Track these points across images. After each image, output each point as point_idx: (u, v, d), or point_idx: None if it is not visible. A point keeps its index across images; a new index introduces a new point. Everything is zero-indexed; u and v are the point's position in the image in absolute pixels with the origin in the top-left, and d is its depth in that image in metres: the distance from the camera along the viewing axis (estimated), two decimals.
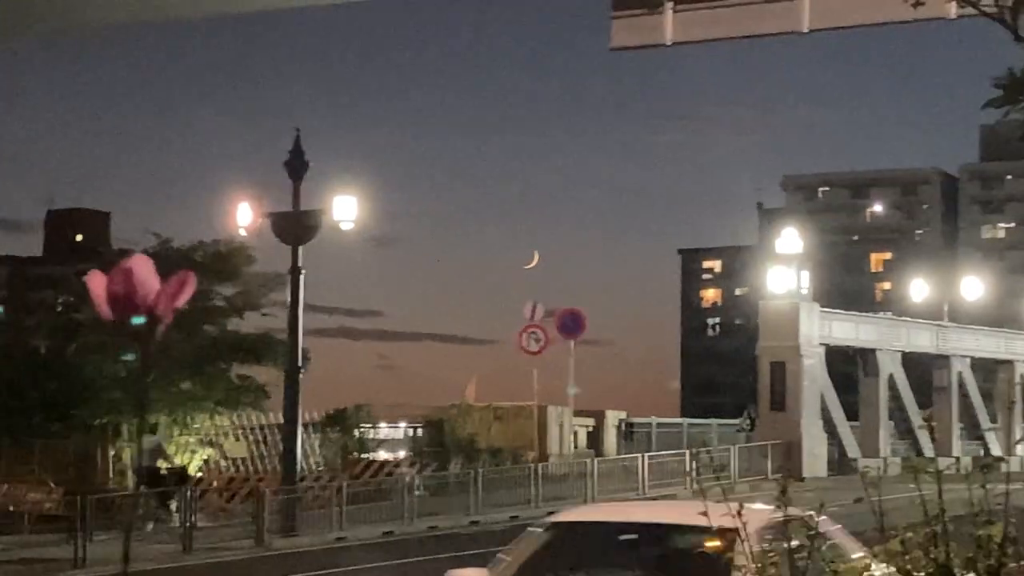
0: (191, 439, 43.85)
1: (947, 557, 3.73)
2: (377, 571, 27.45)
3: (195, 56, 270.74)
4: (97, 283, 1.20)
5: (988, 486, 4.55)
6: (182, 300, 1.21)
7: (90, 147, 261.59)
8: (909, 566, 3.76)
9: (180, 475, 40.72)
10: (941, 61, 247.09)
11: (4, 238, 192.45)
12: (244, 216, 37.57)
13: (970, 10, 6.15)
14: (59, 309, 66.94)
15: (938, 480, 4.57)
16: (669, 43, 23.82)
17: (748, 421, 59.33)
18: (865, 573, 3.79)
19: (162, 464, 41.73)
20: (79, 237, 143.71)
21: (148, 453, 41.39)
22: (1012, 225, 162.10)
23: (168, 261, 45.75)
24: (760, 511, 12.54)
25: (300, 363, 37.45)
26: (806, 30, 23.51)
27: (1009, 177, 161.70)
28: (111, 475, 42.61)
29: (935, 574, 3.67)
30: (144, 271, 1.20)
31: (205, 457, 44.44)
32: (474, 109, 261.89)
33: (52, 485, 38.72)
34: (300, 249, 36.67)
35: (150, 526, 36.50)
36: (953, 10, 19.90)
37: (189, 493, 34.93)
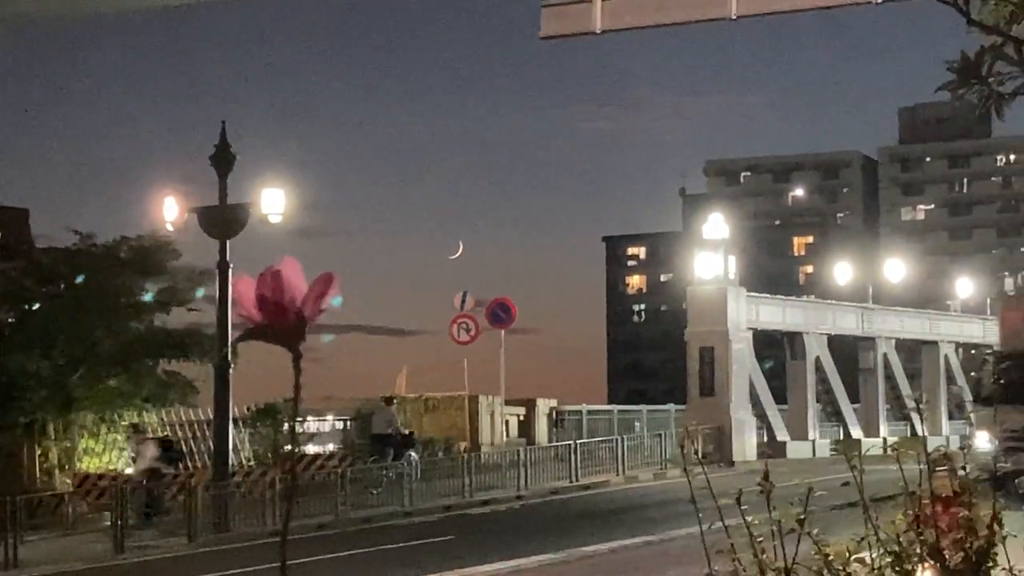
0: (119, 436, 43.45)
1: (937, 539, 3.76)
2: (313, 564, 27.38)
3: (117, 47, 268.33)
4: (245, 287, 1.18)
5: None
6: (328, 301, 1.20)
7: (4, 140, 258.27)
8: (898, 548, 3.78)
9: (408, 439, 43.06)
10: (861, 45, 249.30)
11: None
12: (170, 211, 37.25)
13: None
14: None
15: (899, 461, 4.64)
16: (598, 31, 23.86)
17: None
18: (853, 556, 3.80)
19: (391, 431, 43.01)
20: None
21: (383, 422, 43.24)
22: (932, 207, 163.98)
23: (91, 257, 45.42)
24: None
25: (230, 358, 37.21)
26: (734, 16, 23.64)
27: (928, 159, 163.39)
28: (38, 475, 42.12)
29: (927, 556, 3.69)
30: (292, 274, 1.18)
31: (132, 456, 44.08)
32: (400, 99, 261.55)
33: None
34: (228, 243, 36.42)
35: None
36: None
37: (119, 490, 34.63)
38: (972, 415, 37.98)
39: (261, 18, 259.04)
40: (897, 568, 3.76)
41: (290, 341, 1.33)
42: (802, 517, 3.72)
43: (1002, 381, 34.19)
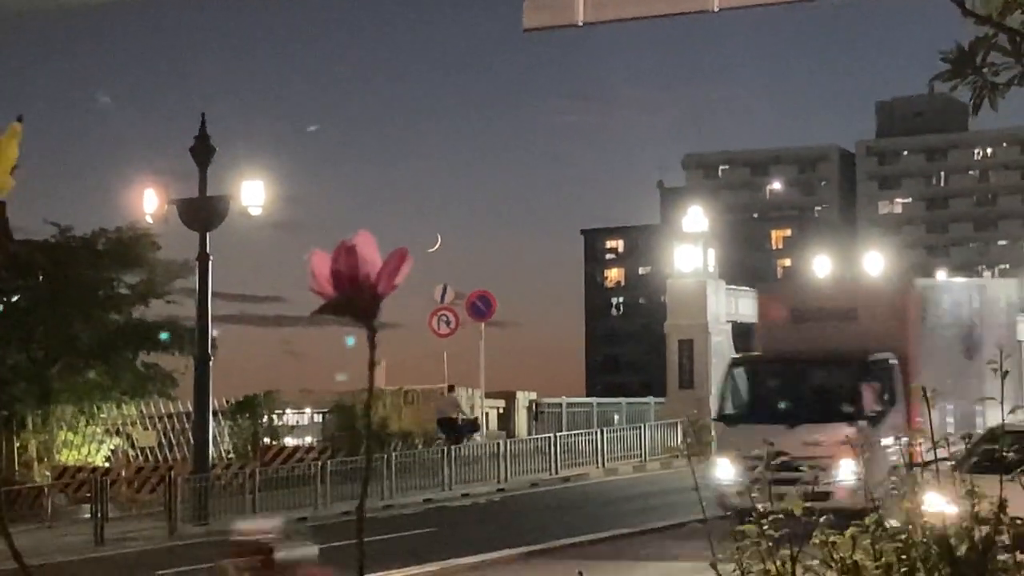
0: (98, 429, 43.38)
1: (944, 527, 3.75)
2: None
3: (95, 38, 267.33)
4: (319, 262, 1.16)
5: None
6: (401, 276, 1.18)
7: None
8: (903, 538, 3.77)
9: (473, 424, 45.73)
10: (839, 39, 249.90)
11: None
12: (149, 202, 37.20)
13: None
14: None
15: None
16: (581, 23, 23.80)
17: None
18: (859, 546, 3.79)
19: (456, 415, 44.97)
20: None
21: (450, 407, 45.38)
22: (908, 200, 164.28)
23: (68, 250, 45.28)
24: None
25: (209, 350, 37.16)
26: (716, 9, 23.60)
27: (905, 152, 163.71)
28: (17, 468, 42.01)
29: (930, 544, 3.68)
30: (368, 249, 1.16)
31: (113, 447, 44.00)
32: (378, 91, 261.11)
33: None
34: (208, 235, 36.36)
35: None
36: None
37: (99, 483, 34.56)
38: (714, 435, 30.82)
39: (242, 7, 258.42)
40: (903, 559, 3.74)
41: (365, 316, 1.30)
42: (808, 505, 3.71)
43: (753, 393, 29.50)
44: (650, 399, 60.66)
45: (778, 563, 3.68)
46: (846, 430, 22.44)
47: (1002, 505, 4.27)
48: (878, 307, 29.32)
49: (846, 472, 23.11)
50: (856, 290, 33.77)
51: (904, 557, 3.74)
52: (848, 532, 3.91)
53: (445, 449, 42.62)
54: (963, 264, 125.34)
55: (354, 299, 1.30)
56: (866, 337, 27.55)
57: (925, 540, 3.76)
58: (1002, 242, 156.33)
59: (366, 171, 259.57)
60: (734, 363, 31.30)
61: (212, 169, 36.31)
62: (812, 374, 28.69)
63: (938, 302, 30.87)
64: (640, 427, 50.55)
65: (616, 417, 57.18)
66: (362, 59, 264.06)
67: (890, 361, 27.34)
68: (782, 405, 28.39)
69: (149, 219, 38.32)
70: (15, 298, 45.64)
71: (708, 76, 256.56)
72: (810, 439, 24.37)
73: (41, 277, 45.44)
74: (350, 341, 46.71)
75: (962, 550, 3.69)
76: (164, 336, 44.27)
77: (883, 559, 3.73)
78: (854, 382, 27.14)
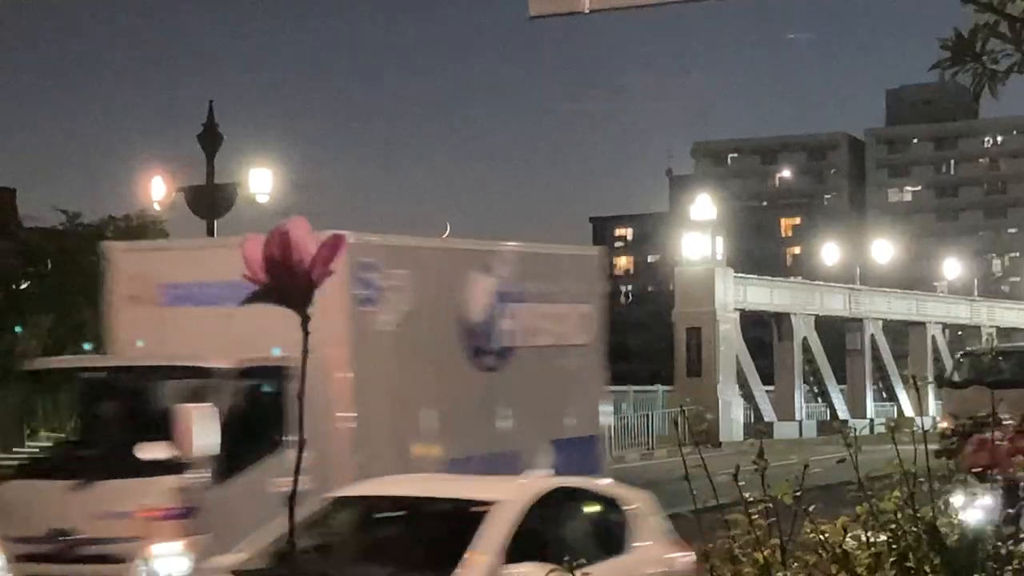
0: None
1: (934, 516, 3.75)
2: None
3: (102, 26, 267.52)
4: (252, 247, 1.15)
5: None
6: (337, 263, 1.17)
7: None
8: (894, 526, 3.77)
9: None
10: (848, 26, 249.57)
11: None
12: (157, 190, 37.14)
13: None
14: None
15: (894, 440, 4.63)
16: (587, 11, 23.74)
17: None
18: (850, 533, 3.78)
19: None
20: None
21: None
22: (918, 188, 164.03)
23: (77, 237, 45.23)
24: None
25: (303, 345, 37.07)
26: None
27: (915, 140, 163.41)
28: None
29: (921, 534, 3.68)
30: (301, 235, 1.16)
31: None
32: (389, 79, 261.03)
33: None
34: (215, 223, 36.32)
35: None
36: None
37: None
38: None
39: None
40: (894, 546, 3.74)
41: (297, 303, 1.30)
42: (798, 494, 3.71)
43: None
44: (658, 387, 60.61)
45: (767, 552, 3.67)
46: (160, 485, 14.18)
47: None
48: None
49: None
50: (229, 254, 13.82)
51: (895, 546, 3.75)
52: (839, 521, 3.91)
53: None
54: (973, 252, 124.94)
55: (287, 286, 1.29)
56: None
57: (916, 529, 3.76)
58: (1012, 230, 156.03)
59: (375, 159, 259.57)
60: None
61: (220, 157, 36.23)
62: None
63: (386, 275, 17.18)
64: (648, 415, 50.56)
65: (623, 406, 57.22)
66: (372, 48, 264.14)
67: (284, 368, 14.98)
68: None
69: (157, 206, 38.25)
70: (24, 285, 45.70)
71: (717, 63, 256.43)
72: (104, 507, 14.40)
73: (49, 264, 45.48)
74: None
75: (952, 540, 3.70)
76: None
77: (873, 548, 3.74)
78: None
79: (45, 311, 43.35)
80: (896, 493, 3.96)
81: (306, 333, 1.42)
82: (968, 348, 49.93)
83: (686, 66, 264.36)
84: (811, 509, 3.82)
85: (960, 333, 78.36)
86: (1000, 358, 38.28)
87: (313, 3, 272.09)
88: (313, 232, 1.14)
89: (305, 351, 1.63)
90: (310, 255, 1.19)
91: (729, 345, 56.36)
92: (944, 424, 30.28)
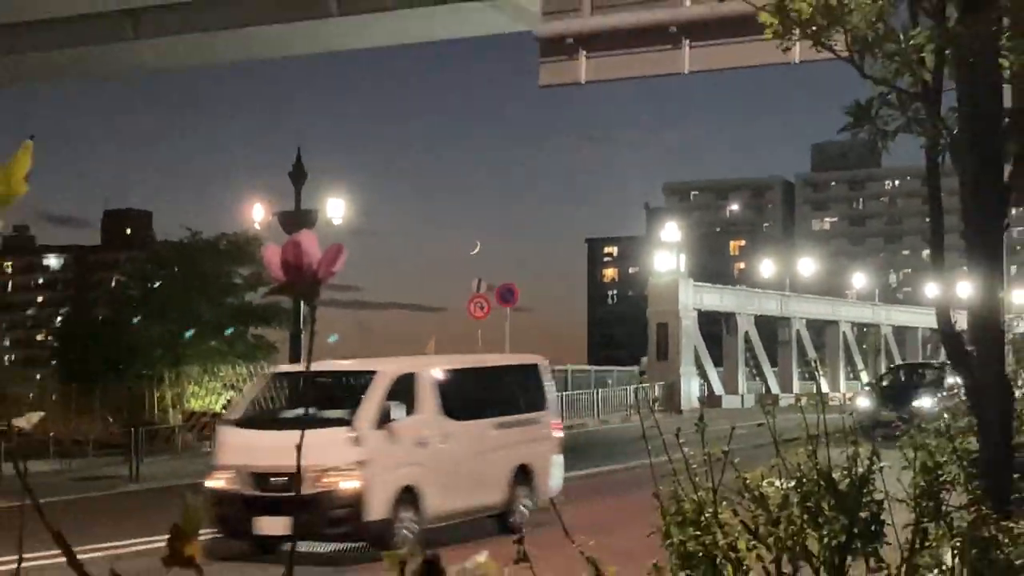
0: (218, 384, 43.45)
1: (829, 465, 3.73)
2: None
3: (218, 85, 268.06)
4: (272, 253, 1.15)
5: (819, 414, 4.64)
6: (338, 267, 1.17)
7: (135, 160, 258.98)
8: (800, 475, 3.75)
9: None
10: (783, 94, 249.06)
11: (71, 232, 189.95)
12: (258, 214, 37.20)
13: (825, 53, 6.10)
14: (113, 286, 66.16)
15: (821, 408, 4.63)
16: (583, 82, 23.76)
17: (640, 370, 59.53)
18: (766, 480, 3.76)
19: None
20: (128, 231, 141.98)
21: None
22: (835, 219, 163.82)
23: (197, 249, 45.37)
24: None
25: (301, 326, 37.12)
26: (687, 72, 23.53)
27: (833, 183, 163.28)
28: (156, 412, 42.16)
29: (819, 479, 3.66)
30: (309, 244, 1.15)
31: (229, 398, 44.07)
32: (434, 132, 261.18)
33: (111, 420, 38.38)
34: None
35: None
36: (797, 55, 19.82)
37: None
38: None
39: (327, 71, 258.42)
40: (799, 490, 3.72)
41: (306, 296, 1.30)
42: (726, 450, 3.69)
43: None
44: (636, 367, 60.59)
45: (702, 493, 3.66)
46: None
47: None
48: None
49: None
50: None
51: (800, 490, 3.73)
52: (758, 470, 3.89)
53: None
54: (876, 268, 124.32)
55: (298, 281, 1.30)
56: None
57: (816, 477, 3.74)
58: (905, 252, 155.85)
59: (422, 193, 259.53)
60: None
61: (305, 189, 36.25)
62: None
63: None
64: (627, 388, 50.46)
65: (609, 381, 57.11)
66: (422, 104, 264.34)
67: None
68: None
69: (257, 226, 38.30)
70: (157, 284, 45.85)
71: (686, 121, 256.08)
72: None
73: (176, 269, 45.63)
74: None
75: (844, 484, 3.67)
76: (228, 330, 44.22)
77: (783, 491, 3.72)
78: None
79: (172, 305, 43.49)
80: (802, 449, 3.94)
81: (313, 319, 1.42)
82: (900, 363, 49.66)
83: (663, 123, 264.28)
84: (736, 461, 3.80)
85: (865, 330, 77.96)
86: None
87: (377, 74, 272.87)
88: (322, 242, 1.15)
89: (312, 331, 1.65)
90: (316, 259, 1.18)
91: (689, 336, 56.22)
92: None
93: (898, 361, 63.76)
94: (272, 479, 13.14)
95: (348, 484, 12.87)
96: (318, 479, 12.63)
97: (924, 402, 27.94)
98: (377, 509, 13.35)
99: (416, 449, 13.98)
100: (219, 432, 16.24)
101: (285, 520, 13.02)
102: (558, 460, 17.18)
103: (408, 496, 13.59)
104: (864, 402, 30.00)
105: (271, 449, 12.73)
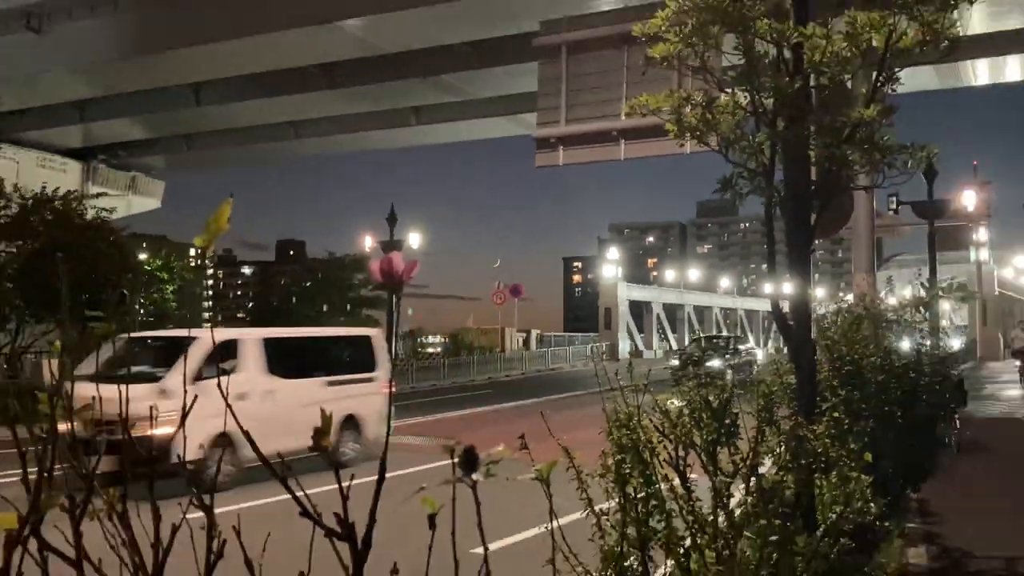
0: None
1: (707, 392, 3.66)
2: (415, 405, 26.39)
3: (346, 163, 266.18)
4: (375, 265, 1.15)
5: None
6: (414, 273, 1.16)
7: (297, 207, 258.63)
8: (688, 398, 3.69)
9: None
10: (680, 170, 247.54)
11: (258, 253, 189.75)
12: (367, 242, 37.02)
13: (704, 147, 6.02)
14: (282, 283, 66.04)
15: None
16: (561, 164, 23.70)
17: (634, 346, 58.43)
18: (668, 401, 3.69)
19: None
20: (291, 252, 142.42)
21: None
22: (711, 246, 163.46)
23: (332, 264, 45.35)
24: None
25: (393, 309, 36.82)
26: (623, 158, 23.41)
27: (710, 224, 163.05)
28: None
29: (700, 400, 3.60)
30: (397, 260, 1.15)
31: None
32: (470, 191, 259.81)
33: None
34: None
35: None
36: (688, 148, 19.60)
37: None
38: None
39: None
40: (688, 407, 3.67)
41: (395, 290, 1.27)
42: (645, 383, 3.63)
43: None
44: (593, 334, 60.26)
45: (631, 408, 3.61)
46: None
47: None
48: None
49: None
50: None
51: (689, 407, 3.67)
52: (664, 395, 3.82)
53: (498, 354, 42.10)
54: (734, 276, 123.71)
55: (391, 282, 1.28)
56: None
57: (699, 399, 3.70)
58: (752, 265, 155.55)
59: (464, 227, 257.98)
60: None
61: (396, 227, 35.94)
62: None
63: None
64: (587, 346, 50.16)
65: (577, 341, 56.85)
66: (464, 176, 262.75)
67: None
68: None
69: (367, 249, 38.25)
70: (307, 284, 45.84)
71: (623, 184, 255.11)
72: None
73: (319, 275, 45.61)
74: (410, 311, 44.95)
75: (715, 404, 3.62)
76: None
77: (679, 408, 3.68)
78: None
79: (317, 297, 43.47)
80: (692, 383, 3.88)
81: (399, 305, 1.40)
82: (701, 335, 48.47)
83: (611, 185, 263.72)
84: (651, 388, 3.75)
85: (726, 311, 77.48)
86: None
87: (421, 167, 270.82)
88: (405, 258, 1.14)
89: (397, 311, 1.64)
90: (401, 268, 1.17)
91: (623, 316, 55.99)
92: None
93: (748, 333, 63.50)
94: (106, 425, 11.57)
95: (161, 431, 10.84)
96: (137, 426, 10.93)
97: (714, 363, 27.26)
98: (191, 452, 9.96)
99: (235, 402, 11.70)
100: (76, 386, 13.77)
101: (114, 459, 11.50)
102: (384, 413, 13.19)
103: (224, 440, 10.38)
104: (674, 361, 29.01)
105: (106, 400, 11.25)
